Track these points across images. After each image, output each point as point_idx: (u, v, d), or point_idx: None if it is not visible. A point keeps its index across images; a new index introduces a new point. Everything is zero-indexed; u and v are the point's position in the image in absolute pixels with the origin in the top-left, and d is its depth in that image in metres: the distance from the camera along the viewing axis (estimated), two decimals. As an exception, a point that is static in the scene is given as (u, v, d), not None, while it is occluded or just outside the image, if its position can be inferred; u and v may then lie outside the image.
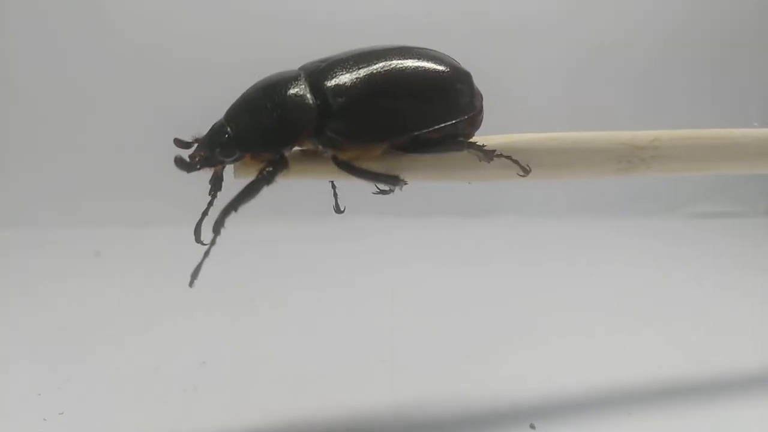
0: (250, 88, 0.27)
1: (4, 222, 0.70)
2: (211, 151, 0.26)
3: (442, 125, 0.27)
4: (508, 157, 0.27)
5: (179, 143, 0.27)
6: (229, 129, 0.26)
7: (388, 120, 0.27)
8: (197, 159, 0.26)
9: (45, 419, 0.31)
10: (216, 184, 0.28)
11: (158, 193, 0.73)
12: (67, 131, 0.73)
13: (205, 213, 0.28)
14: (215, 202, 0.28)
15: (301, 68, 0.28)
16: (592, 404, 0.33)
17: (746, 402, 0.34)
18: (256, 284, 0.53)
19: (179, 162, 0.26)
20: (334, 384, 0.35)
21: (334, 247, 0.61)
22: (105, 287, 0.52)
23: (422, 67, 0.27)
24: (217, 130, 0.26)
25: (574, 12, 0.80)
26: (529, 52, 0.80)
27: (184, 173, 0.27)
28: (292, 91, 0.26)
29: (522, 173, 0.28)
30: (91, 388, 0.34)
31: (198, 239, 0.28)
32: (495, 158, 0.27)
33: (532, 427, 0.31)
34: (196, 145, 0.27)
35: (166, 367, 0.37)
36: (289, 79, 0.26)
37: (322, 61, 0.28)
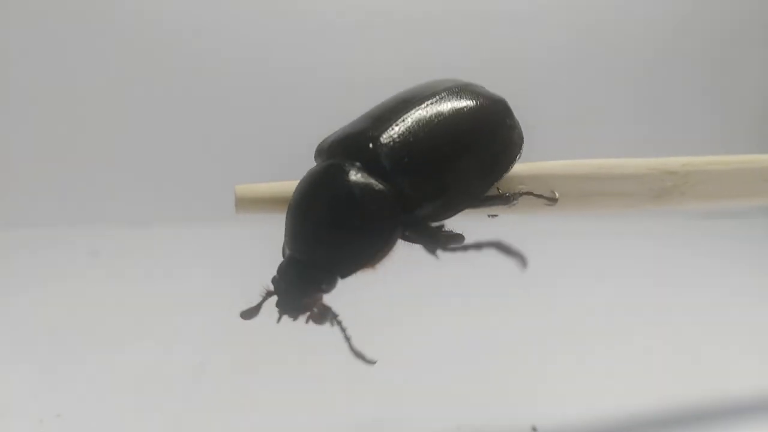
0: (311, 212, 0.22)
1: (2, 222, 0.70)
2: (312, 295, 0.23)
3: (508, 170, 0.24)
4: (530, 193, 0.25)
5: (249, 315, 0.25)
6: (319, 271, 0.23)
7: (459, 185, 0.23)
8: (311, 315, 0.24)
9: (42, 421, 0.30)
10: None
11: (157, 193, 0.73)
12: (66, 131, 0.73)
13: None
14: None
15: (341, 154, 0.22)
16: (594, 405, 0.33)
17: (746, 402, 0.34)
18: (254, 285, 0.52)
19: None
20: (334, 384, 0.35)
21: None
22: (103, 287, 0.52)
23: (480, 108, 0.24)
24: (306, 278, 0.23)
25: (573, 12, 0.80)
26: (527, 51, 0.80)
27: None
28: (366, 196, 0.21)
29: (549, 203, 0.25)
30: (88, 389, 0.34)
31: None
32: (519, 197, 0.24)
33: (534, 429, 0.31)
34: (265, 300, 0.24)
35: (164, 368, 0.37)
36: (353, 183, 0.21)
37: (357, 136, 0.23)
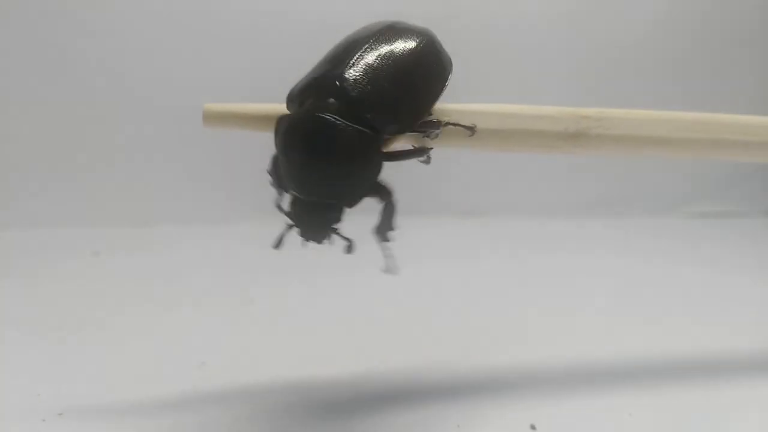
0: (312, 160, 0.25)
1: (1, 223, 0.71)
2: (328, 228, 0.29)
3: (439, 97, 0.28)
4: (456, 124, 0.28)
5: (276, 245, 0.29)
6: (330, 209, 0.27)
7: (412, 102, 0.27)
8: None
9: (44, 420, 0.31)
10: None
11: (158, 193, 0.73)
12: (67, 131, 0.74)
13: None
14: None
15: (314, 96, 0.26)
16: (593, 404, 0.33)
17: (745, 402, 0.34)
18: (256, 284, 0.53)
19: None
20: (334, 384, 0.35)
21: (334, 247, 0.61)
22: (104, 287, 0.52)
23: (414, 37, 0.28)
24: (320, 216, 0.27)
25: (572, 11, 0.80)
26: (530, 51, 0.80)
27: None
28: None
29: (469, 133, 0.28)
30: (90, 389, 0.34)
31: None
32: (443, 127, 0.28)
33: (533, 427, 0.31)
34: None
35: (165, 368, 0.37)
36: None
37: (323, 78, 0.27)
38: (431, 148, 0.27)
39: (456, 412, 0.32)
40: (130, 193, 0.74)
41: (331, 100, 0.25)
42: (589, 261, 0.63)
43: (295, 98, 0.27)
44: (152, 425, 0.31)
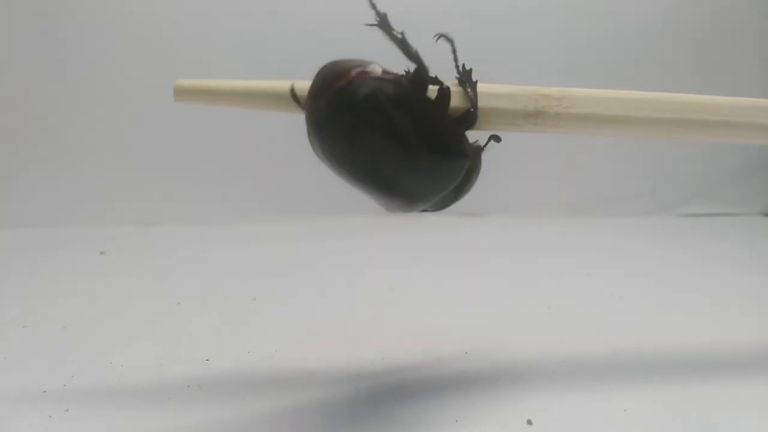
0: None
1: (10, 222, 0.71)
2: None
3: None
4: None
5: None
6: None
7: None
8: None
9: (50, 416, 0.31)
10: None
11: (162, 193, 0.74)
12: (72, 133, 0.74)
13: None
14: None
15: None
16: (589, 400, 0.33)
17: (743, 400, 0.34)
18: (258, 282, 0.53)
19: None
20: (334, 383, 0.36)
21: (333, 246, 0.61)
22: (109, 286, 0.53)
23: None
24: None
25: (571, 11, 0.80)
26: (525, 49, 0.80)
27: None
28: None
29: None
30: (95, 386, 0.35)
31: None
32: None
33: (529, 422, 0.31)
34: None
35: (170, 365, 0.37)
36: None
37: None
38: None
39: (454, 406, 0.32)
40: (135, 193, 0.75)
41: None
42: (586, 260, 0.63)
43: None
44: (157, 421, 0.31)
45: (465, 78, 0.28)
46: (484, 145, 0.29)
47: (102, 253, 0.63)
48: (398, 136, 0.26)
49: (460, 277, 0.57)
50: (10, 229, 0.70)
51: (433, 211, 0.30)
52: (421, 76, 0.26)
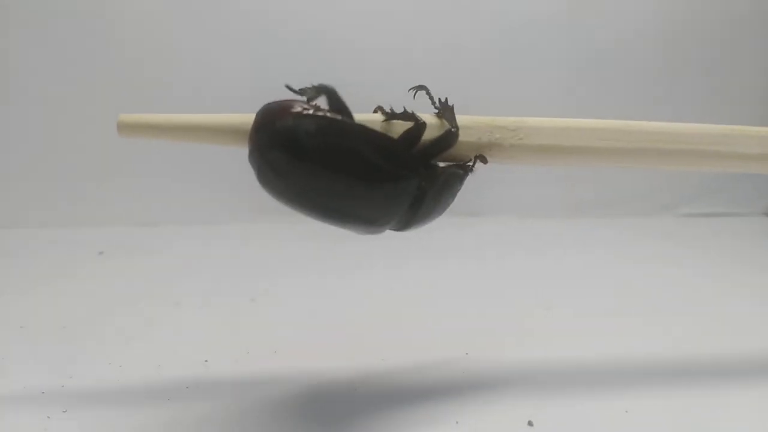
0: None
1: (9, 222, 0.71)
2: None
3: None
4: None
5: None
6: None
7: None
8: None
9: (49, 417, 0.31)
10: None
11: (161, 193, 0.74)
12: (72, 133, 0.74)
13: None
14: None
15: None
16: (590, 401, 0.33)
17: (744, 401, 0.34)
18: (257, 283, 0.53)
19: None
20: (334, 383, 0.36)
21: (334, 246, 0.61)
22: (108, 286, 0.53)
23: None
24: None
25: (572, 14, 0.80)
26: (529, 53, 0.80)
27: None
28: None
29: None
30: (94, 386, 0.35)
31: None
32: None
33: (530, 423, 0.31)
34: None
35: (168, 365, 0.37)
36: None
37: None
38: None
39: (455, 407, 0.32)
40: (135, 193, 0.75)
41: None
42: (586, 261, 0.63)
43: None
44: (156, 422, 0.31)
45: (443, 109, 0.29)
46: (472, 165, 0.29)
47: (101, 253, 0.63)
48: (325, 165, 0.26)
49: (461, 277, 0.57)
50: (9, 229, 0.70)
51: (398, 230, 0.30)
52: (338, 107, 0.26)
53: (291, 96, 0.26)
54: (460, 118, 0.29)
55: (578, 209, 0.79)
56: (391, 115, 0.28)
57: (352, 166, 0.26)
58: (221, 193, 0.74)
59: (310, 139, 0.26)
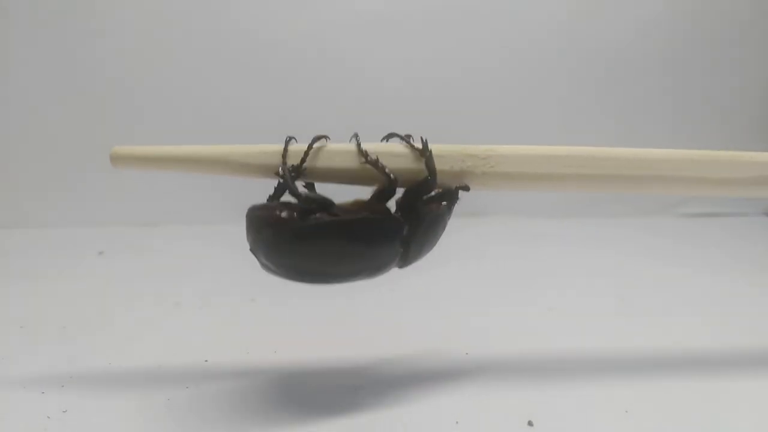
0: None
1: (9, 222, 0.71)
2: None
3: None
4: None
5: None
6: None
7: None
8: None
9: (49, 417, 0.31)
10: None
11: (161, 193, 0.74)
12: (72, 133, 0.74)
13: None
14: None
15: None
16: (590, 401, 0.33)
17: (744, 401, 0.34)
18: (257, 283, 0.53)
19: None
20: (334, 383, 0.36)
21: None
22: (108, 286, 0.53)
23: None
24: None
25: (573, 15, 0.80)
26: (530, 54, 0.80)
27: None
28: None
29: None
30: (94, 386, 0.35)
31: None
32: None
33: (530, 423, 0.31)
34: None
35: (169, 365, 0.37)
36: None
37: None
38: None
39: (454, 407, 0.32)
40: (134, 194, 0.75)
41: None
42: (586, 261, 0.63)
43: None
44: (156, 422, 0.31)
45: (423, 153, 0.29)
46: (453, 197, 0.30)
47: (101, 253, 0.63)
48: (315, 254, 0.29)
49: (461, 277, 0.57)
50: (9, 229, 0.70)
51: (402, 267, 0.32)
52: (309, 200, 0.29)
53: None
54: (432, 147, 0.29)
55: (578, 209, 0.79)
56: (368, 160, 0.29)
57: (340, 250, 0.29)
58: (221, 193, 0.74)
59: (295, 245, 0.29)
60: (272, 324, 0.45)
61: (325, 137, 0.30)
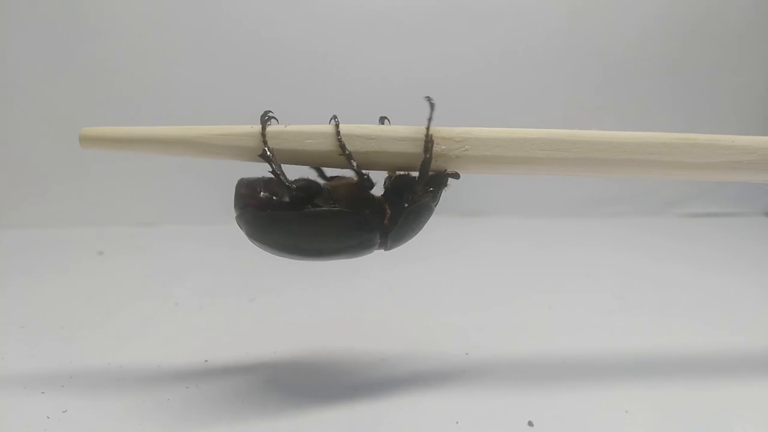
0: None
1: (10, 222, 0.71)
2: None
3: None
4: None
5: None
6: None
7: None
8: None
9: (48, 417, 0.31)
10: None
11: (160, 193, 0.74)
12: (72, 133, 0.74)
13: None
14: None
15: None
16: (590, 401, 0.33)
17: (744, 401, 0.34)
18: (256, 283, 0.53)
19: None
20: (334, 383, 0.36)
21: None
22: (108, 286, 0.53)
23: None
24: None
25: (573, 16, 0.80)
26: (533, 53, 0.80)
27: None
28: None
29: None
30: (94, 386, 0.35)
31: None
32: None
33: (530, 424, 0.31)
34: None
35: (168, 365, 0.37)
36: None
37: None
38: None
39: (455, 408, 0.32)
40: (134, 193, 0.75)
41: None
42: (586, 260, 0.63)
43: None
44: (155, 422, 0.31)
45: (427, 142, 0.29)
46: (441, 184, 0.30)
47: (100, 253, 0.63)
48: (301, 224, 0.30)
49: (461, 276, 0.57)
50: (8, 229, 0.70)
51: (386, 250, 0.32)
52: (300, 188, 0.30)
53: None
54: (407, 129, 0.29)
55: (578, 209, 0.79)
56: (349, 163, 0.29)
57: (316, 237, 0.30)
58: (221, 193, 0.74)
59: (281, 224, 0.30)
60: (272, 324, 0.45)
61: (271, 114, 0.30)
